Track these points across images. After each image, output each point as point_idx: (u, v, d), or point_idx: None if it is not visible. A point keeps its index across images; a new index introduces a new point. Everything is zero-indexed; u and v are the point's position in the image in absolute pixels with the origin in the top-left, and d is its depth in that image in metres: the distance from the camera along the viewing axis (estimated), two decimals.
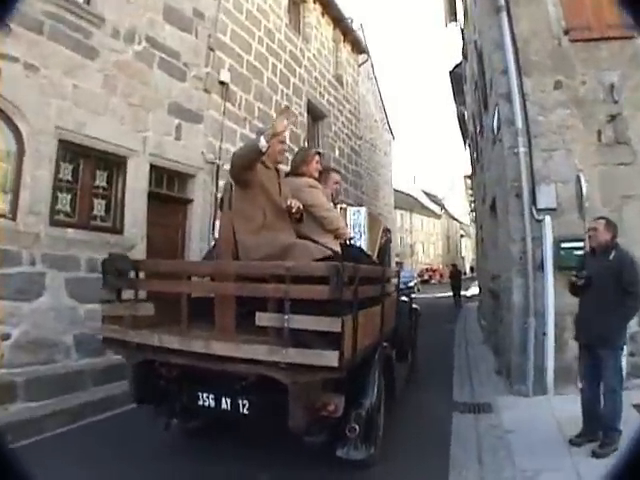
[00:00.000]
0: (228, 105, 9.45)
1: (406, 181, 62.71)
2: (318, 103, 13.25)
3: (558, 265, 5.75)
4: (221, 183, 8.85)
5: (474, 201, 16.40)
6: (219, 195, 9.14)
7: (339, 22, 14.70)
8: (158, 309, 3.48)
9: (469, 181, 26.34)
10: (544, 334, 5.76)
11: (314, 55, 13.20)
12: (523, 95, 6.20)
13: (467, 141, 19.15)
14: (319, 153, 4.51)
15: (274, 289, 2.95)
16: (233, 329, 3.16)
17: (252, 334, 3.08)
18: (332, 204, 4.50)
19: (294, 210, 3.58)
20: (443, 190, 72.18)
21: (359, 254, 4.21)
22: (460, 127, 19.73)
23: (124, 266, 3.58)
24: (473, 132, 11.71)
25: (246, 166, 3.50)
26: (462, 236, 71.30)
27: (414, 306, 7.62)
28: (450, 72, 15.38)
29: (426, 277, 47.89)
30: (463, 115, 18.29)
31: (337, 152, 14.16)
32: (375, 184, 24.13)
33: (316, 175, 4.27)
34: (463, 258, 68.71)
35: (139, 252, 7.46)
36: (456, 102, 17.79)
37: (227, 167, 7.36)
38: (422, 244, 59.25)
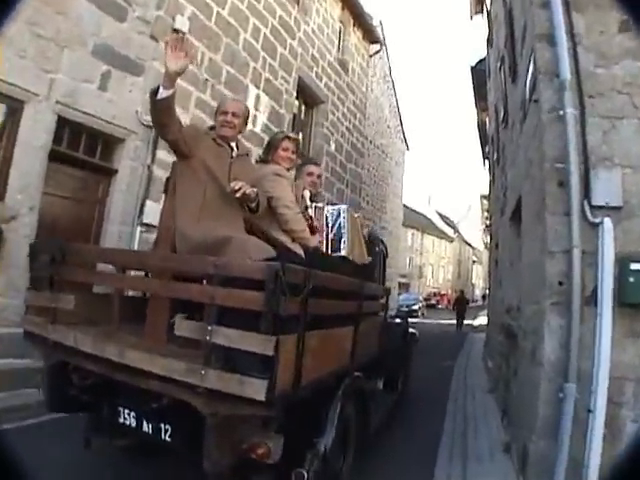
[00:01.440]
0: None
1: (420, 200, 60.60)
2: (313, 84, 11.07)
3: (621, 299, 3.45)
4: (161, 154, 6.74)
5: (489, 217, 14.08)
6: (155, 168, 7.09)
7: (347, 2, 12.56)
8: (95, 302, 3.01)
9: (486, 202, 24.15)
10: (589, 411, 3.46)
11: (313, 30, 11.05)
12: (573, 36, 3.97)
13: (486, 153, 16.96)
14: (289, 137, 3.66)
15: (198, 291, 2.37)
16: (163, 336, 2.60)
17: (188, 345, 2.36)
18: (308, 201, 3.82)
19: (238, 194, 2.82)
20: (458, 213, 69.67)
21: (331, 261, 3.48)
22: (480, 139, 17.44)
23: (55, 251, 2.89)
24: (495, 128, 9.44)
25: (157, 124, 2.89)
26: (474, 262, 68.70)
27: (411, 330, 6.70)
28: (472, 67, 13.15)
29: (433, 301, 45.29)
30: (484, 124, 16.09)
31: (333, 145, 11.93)
32: (383, 194, 21.90)
33: (286, 164, 3.58)
34: (473, 285, 66.14)
35: (23, 226, 5.50)
36: (477, 107, 15.57)
37: None
38: (432, 266, 56.68)
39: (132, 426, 2.76)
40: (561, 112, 3.75)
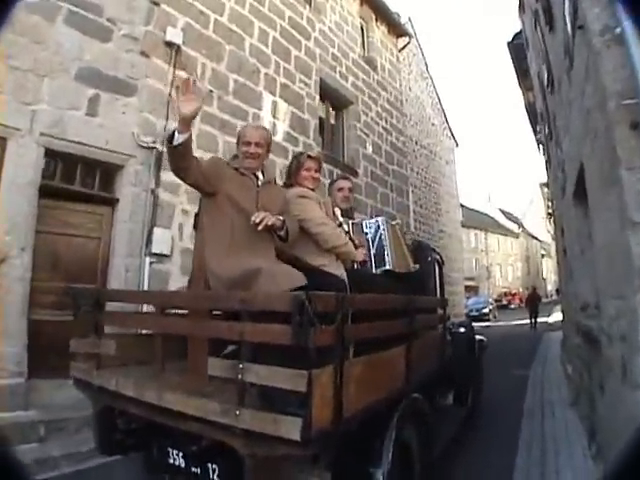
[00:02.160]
0: (181, 73, 6.64)
1: (479, 199, 58.31)
2: (338, 85, 10.17)
3: None
4: (166, 176, 6.04)
5: (550, 204, 12.59)
6: (160, 192, 6.37)
7: None
8: (141, 342, 3.03)
9: (546, 190, 22.28)
10: None
11: (330, 29, 10.19)
12: None
13: (538, 135, 15.42)
14: (310, 156, 3.44)
15: (227, 329, 2.29)
16: (205, 374, 2.28)
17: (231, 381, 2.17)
18: (340, 218, 3.63)
19: (260, 227, 2.63)
20: (520, 208, 66.49)
21: (376, 279, 3.40)
22: (530, 121, 15.93)
23: (94, 297, 2.92)
24: (542, 101, 8.14)
25: (175, 169, 2.69)
26: (543, 256, 64.96)
27: (478, 337, 6.14)
28: (509, 43, 11.85)
29: (504, 302, 42.77)
30: (532, 104, 14.62)
31: (370, 148, 10.91)
32: (436, 196, 20.61)
33: (310, 184, 3.33)
34: (545, 280, 62.47)
35: (14, 268, 4.98)
36: (521, 87, 14.13)
37: None
38: (499, 266, 53.93)
39: (182, 466, 2.69)
40: (617, 29, 2.65)
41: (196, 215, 3.22)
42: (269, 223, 2.68)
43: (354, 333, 2.38)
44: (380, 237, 3.69)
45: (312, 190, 3.34)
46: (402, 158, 12.57)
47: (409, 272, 3.87)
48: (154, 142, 6.26)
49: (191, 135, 2.61)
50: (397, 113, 12.78)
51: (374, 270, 3.61)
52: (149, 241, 6.05)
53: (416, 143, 18.86)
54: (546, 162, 12.11)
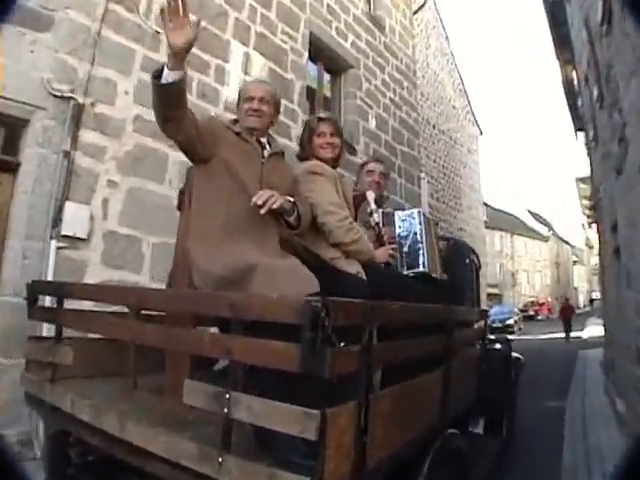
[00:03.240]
0: (116, 8, 5.41)
1: (506, 198, 56.85)
2: (334, 44, 8.85)
3: None
4: (86, 135, 4.85)
5: (592, 196, 11.21)
6: (78, 156, 5.12)
7: None
8: (110, 349, 2.63)
9: (583, 185, 20.76)
10: None
11: None
12: None
13: (579, 118, 13.99)
14: (320, 118, 3.05)
15: (211, 342, 1.82)
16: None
17: None
18: (372, 205, 3.27)
19: (263, 210, 2.28)
20: (551, 209, 64.71)
21: (409, 283, 2.95)
22: (569, 103, 14.49)
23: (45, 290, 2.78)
24: (589, 54, 6.76)
25: (163, 118, 2.27)
26: (575, 263, 63.21)
27: (514, 355, 5.49)
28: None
29: (531, 312, 41.20)
30: (570, 82, 13.20)
31: (373, 122, 9.55)
32: (456, 189, 19.25)
33: (327, 153, 2.94)
34: (576, 289, 60.82)
35: None
36: (559, 59, 12.73)
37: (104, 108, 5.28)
38: (526, 272, 52.36)
39: None
40: None
41: (180, 193, 2.76)
42: (275, 206, 2.30)
43: (384, 355, 1.96)
44: (415, 233, 3.25)
45: (332, 161, 2.96)
46: (414, 138, 11.18)
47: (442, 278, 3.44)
48: (72, 91, 5.01)
49: (186, 75, 2.21)
50: (409, 85, 11.41)
51: (404, 272, 3.14)
52: (58, 220, 4.80)
53: (434, 127, 17.50)
54: (588, 147, 10.73)
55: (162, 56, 5.81)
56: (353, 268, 2.63)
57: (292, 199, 2.50)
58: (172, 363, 2.32)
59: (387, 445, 1.90)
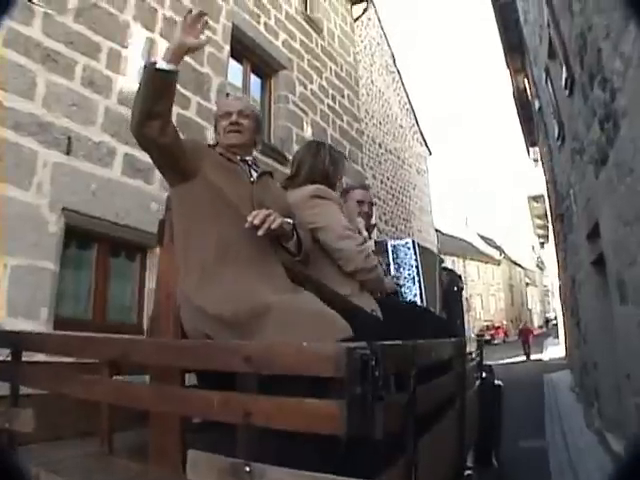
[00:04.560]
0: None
1: (456, 223, 57.03)
2: (263, 41, 7.73)
3: None
4: None
5: (554, 209, 10.38)
6: None
7: None
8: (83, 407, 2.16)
9: (536, 204, 20.25)
10: None
11: None
12: None
13: (531, 129, 13.35)
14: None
15: (223, 404, 1.47)
16: (177, 464, 1.67)
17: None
18: (364, 232, 2.95)
19: (261, 231, 1.95)
20: (501, 233, 65.27)
21: (422, 316, 2.73)
22: (519, 115, 13.87)
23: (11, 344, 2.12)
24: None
25: (148, 113, 1.93)
26: (528, 284, 63.69)
27: (496, 382, 5.16)
28: (494, 0, 9.72)
29: (487, 337, 40.59)
30: (522, 91, 12.55)
31: (309, 129, 8.44)
32: (405, 211, 18.36)
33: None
34: (530, 311, 61.10)
35: None
36: (510, 69, 12.10)
37: None
38: (480, 296, 52.22)
39: None
40: None
41: (160, 223, 2.33)
42: (274, 226, 1.96)
43: (425, 401, 1.72)
44: (411, 265, 3.20)
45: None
46: (357, 150, 10.12)
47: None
48: None
49: (178, 73, 1.96)
50: (350, 93, 10.41)
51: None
52: None
53: (380, 146, 16.64)
54: (549, 153, 9.97)
55: (37, 32, 4.64)
56: (369, 305, 2.40)
57: (291, 221, 2.17)
58: (157, 422, 1.94)
59: None
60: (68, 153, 4.80)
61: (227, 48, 6.92)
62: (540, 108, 8.86)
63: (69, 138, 4.81)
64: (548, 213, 15.13)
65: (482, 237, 58.83)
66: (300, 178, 2.68)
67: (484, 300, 52.61)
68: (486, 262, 54.11)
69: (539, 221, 21.73)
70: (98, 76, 5.13)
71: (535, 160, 15.59)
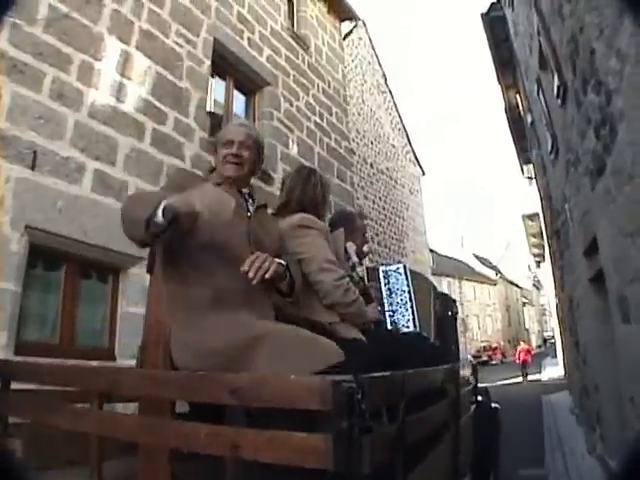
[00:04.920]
0: None
1: (452, 244, 56.88)
2: (246, 56, 7.50)
3: None
4: None
5: (549, 226, 10.11)
6: None
7: None
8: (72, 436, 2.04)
9: (531, 222, 20.03)
10: None
11: None
12: None
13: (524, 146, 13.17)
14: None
15: (210, 437, 1.46)
16: None
17: None
18: (354, 257, 3.07)
19: (255, 280, 1.90)
20: (496, 253, 65.06)
21: (412, 344, 2.69)
22: (512, 132, 13.69)
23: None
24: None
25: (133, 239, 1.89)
26: (524, 304, 63.24)
27: (493, 405, 5.02)
28: (484, 15, 9.58)
29: (484, 357, 40.08)
30: (514, 108, 12.37)
31: (295, 147, 8.15)
32: (398, 232, 18.09)
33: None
34: (527, 330, 60.54)
35: None
36: (501, 84, 11.94)
37: None
38: (477, 317, 51.71)
39: None
40: None
41: (151, 253, 2.17)
42: (267, 275, 1.91)
43: (415, 430, 1.70)
44: (403, 290, 3.16)
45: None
46: (345, 169, 9.84)
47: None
48: None
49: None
50: (339, 111, 10.17)
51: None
52: None
53: (371, 166, 16.46)
54: (543, 167, 9.73)
55: (3, 43, 4.41)
56: (353, 334, 2.37)
57: (284, 262, 2.13)
58: (145, 452, 1.84)
59: None
60: (33, 168, 4.51)
61: (208, 63, 6.69)
62: (532, 122, 8.64)
63: (34, 152, 4.53)
64: (544, 231, 14.91)
65: (478, 257, 58.58)
66: (291, 206, 2.64)
67: (481, 321, 52.11)
68: (482, 282, 53.75)
69: (535, 240, 21.47)
70: (68, 89, 4.88)
71: (529, 178, 15.39)
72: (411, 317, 3.14)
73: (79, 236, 4.78)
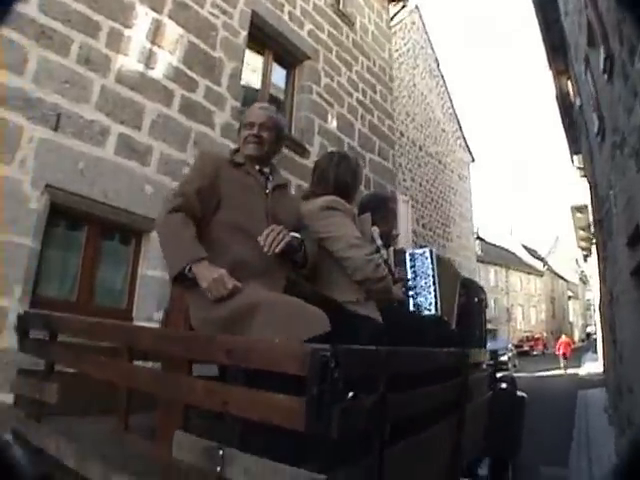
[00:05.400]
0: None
1: (501, 233, 55.26)
2: (286, 29, 7.16)
3: None
4: None
5: (595, 214, 9.40)
6: None
7: None
8: (103, 387, 2.27)
9: (580, 215, 18.95)
10: None
11: None
12: None
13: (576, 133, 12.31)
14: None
15: (204, 392, 1.57)
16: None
17: None
18: (379, 240, 3.06)
19: (271, 251, 2.04)
20: (545, 245, 62.76)
21: (426, 326, 2.71)
22: (563, 120, 12.83)
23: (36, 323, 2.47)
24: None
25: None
26: (570, 298, 60.91)
27: (519, 393, 5.13)
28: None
29: (526, 348, 38.74)
30: (566, 94, 11.52)
31: (334, 122, 7.80)
32: (445, 216, 17.47)
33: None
34: (571, 324, 58.38)
35: None
36: (552, 69, 11.11)
37: None
38: (521, 307, 50.21)
39: None
40: None
41: None
42: (279, 248, 2.03)
43: (400, 406, 1.70)
44: (428, 274, 3.06)
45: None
46: (387, 147, 9.37)
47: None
48: None
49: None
50: (383, 89, 9.69)
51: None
52: None
53: (420, 149, 15.86)
54: (590, 154, 9.02)
55: (33, 9, 4.32)
56: (369, 312, 2.30)
57: (299, 236, 2.19)
58: (164, 405, 1.97)
59: None
60: (56, 129, 4.37)
61: (244, 34, 6.39)
62: (581, 106, 7.95)
63: (58, 115, 4.40)
64: (591, 224, 14.02)
65: (526, 248, 56.73)
66: (320, 189, 2.63)
67: (525, 311, 50.59)
68: (529, 273, 52.07)
69: (583, 233, 20.27)
70: (96, 54, 4.72)
71: (579, 168, 14.47)
72: (433, 301, 3.04)
73: (99, 197, 4.65)
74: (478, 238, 46.98)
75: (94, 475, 1.78)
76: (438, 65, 18.23)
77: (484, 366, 3.73)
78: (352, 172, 2.74)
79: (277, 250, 2.02)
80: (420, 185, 15.82)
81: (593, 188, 8.87)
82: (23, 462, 2.27)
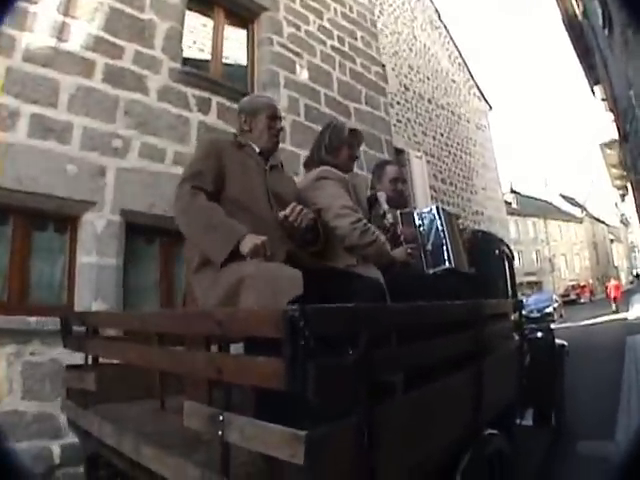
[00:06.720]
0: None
1: (535, 185, 53.14)
2: None
3: None
4: None
5: (627, 146, 8.11)
6: None
7: None
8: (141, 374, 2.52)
9: (609, 151, 17.28)
10: None
11: None
12: None
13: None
14: (353, 131, 2.78)
15: (204, 362, 1.60)
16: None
17: None
18: (385, 205, 3.08)
19: (292, 217, 2.16)
20: (582, 191, 59.89)
21: (432, 281, 2.79)
22: (575, 47, 11.34)
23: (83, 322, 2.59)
24: None
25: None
26: (612, 241, 58.00)
27: (558, 341, 4.98)
28: None
29: (573, 296, 36.94)
30: (573, 15, 10.04)
31: (304, 72, 6.74)
32: (466, 168, 16.24)
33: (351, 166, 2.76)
34: (617, 268, 55.62)
35: None
36: None
37: None
38: (564, 256, 48.10)
39: None
40: None
41: None
42: (304, 223, 2.19)
43: (391, 362, 1.66)
44: (437, 230, 3.03)
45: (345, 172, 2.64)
46: (378, 96, 8.22)
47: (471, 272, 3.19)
48: None
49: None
50: (366, 36, 8.47)
51: (429, 271, 2.90)
52: None
53: (429, 101, 14.65)
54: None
55: None
56: (370, 272, 2.31)
57: (311, 215, 2.26)
58: (191, 383, 2.10)
59: (409, 456, 1.69)
60: None
61: None
62: (585, 11, 6.62)
63: None
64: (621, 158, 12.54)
65: (564, 197, 54.34)
66: (313, 160, 2.71)
67: (568, 260, 48.53)
68: (568, 221, 49.84)
69: (615, 171, 18.62)
70: None
71: (603, 100, 12.95)
72: (446, 255, 2.95)
73: (15, 185, 3.95)
74: (513, 192, 45.13)
75: (128, 449, 1.86)
76: (439, 16, 16.79)
77: (512, 317, 3.53)
78: (330, 136, 2.71)
79: (303, 225, 2.15)
80: (434, 139, 14.65)
81: (615, 109, 7.56)
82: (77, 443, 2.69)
